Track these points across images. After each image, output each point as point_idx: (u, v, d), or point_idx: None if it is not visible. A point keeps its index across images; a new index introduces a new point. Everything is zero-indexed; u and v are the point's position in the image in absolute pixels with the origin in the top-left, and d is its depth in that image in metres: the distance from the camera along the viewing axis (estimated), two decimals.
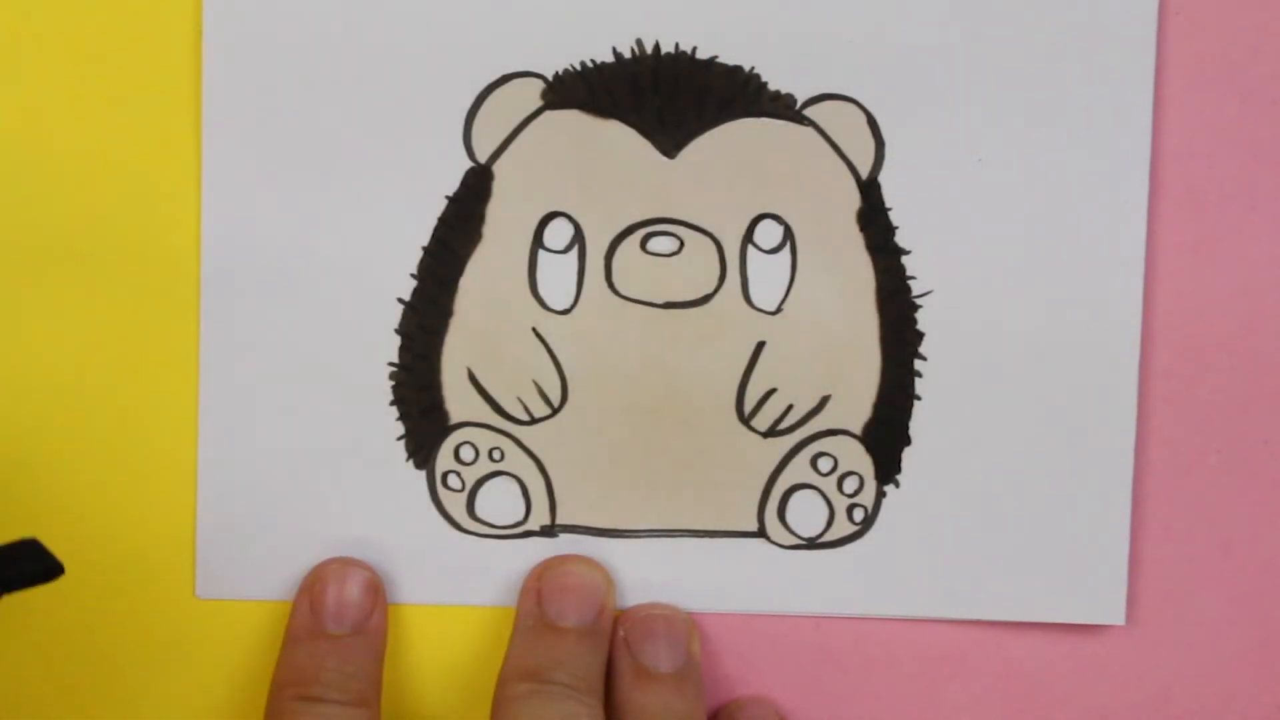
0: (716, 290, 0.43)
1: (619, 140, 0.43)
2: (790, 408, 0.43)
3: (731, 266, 0.43)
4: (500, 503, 0.44)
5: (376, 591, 0.43)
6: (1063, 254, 0.43)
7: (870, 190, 0.43)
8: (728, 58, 0.43)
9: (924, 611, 0.44)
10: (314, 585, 0.43)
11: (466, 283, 0.43)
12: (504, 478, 0.44)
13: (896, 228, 0.43)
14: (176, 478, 0.44)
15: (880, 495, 0.44)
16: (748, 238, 0.43)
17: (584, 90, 0.43)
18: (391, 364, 0.43)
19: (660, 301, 0.43)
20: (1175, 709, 0.45)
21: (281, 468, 0.44)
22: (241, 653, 0.45)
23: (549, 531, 0.44)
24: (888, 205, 0.43)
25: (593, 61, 0.43)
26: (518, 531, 0.44)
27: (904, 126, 0.43)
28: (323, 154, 0.43)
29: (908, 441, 0.44)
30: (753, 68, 0.43)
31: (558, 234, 0.43)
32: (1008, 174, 0.43)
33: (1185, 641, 0.45)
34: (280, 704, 0.41)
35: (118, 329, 0.44)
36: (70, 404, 0.44)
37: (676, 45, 0.43)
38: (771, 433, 0.44)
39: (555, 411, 0.44)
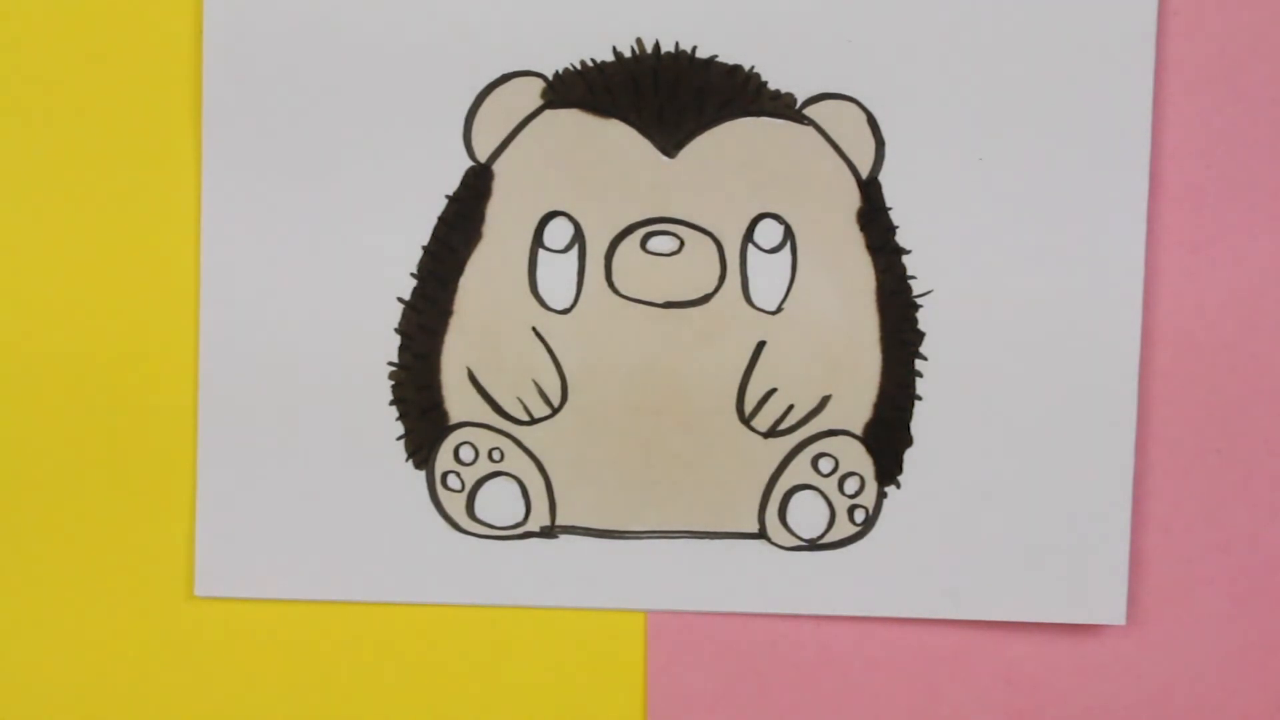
0: (716, 290, 0.43)
1: (619, 139, 0.43)
2: (791, 408, 0.43)
3: (731, 266, 0.43)
4: (500, 503, 0.44)
5: None
6: (1063, 254, 0.43)
7: (870, 190, 0.43)
8: (728, 57, 0.43)
9: (924, 611, 0.44)
10: None
11: (466, 282, 0.43)
12: (504, 478, 0.44)
13: (896, 228, 0.43)
14: (176, 478, 0.44)
15: (881, 496, 0.44)
16: (748, 237, 0.43)
17: (584, 89, 0.43)
18: (391, 364, 0.43)
19: (660, 301, 0.43)
20: (1175, 709, 0.45)
21: (281, 467, 0.44)
22: (240, 651, 0.45)
23: (549, 532, 0.44)
24: (888, 205, 0.43)
25: (593, 61, 0.43)
26: (517, 532, 0.44)
27: (904, 126, 0.43)
28: (323, 153, 0.43)
29: (909, 441, 0.43)
30: (752, 67, 0.43)
31: (558, 233, 0.43)
32: (1008, 174, 0.43)
33: (1185, 641, 0.45)
34: None
35: (117, 328, 0.44)
36: (70, 403, 0.44)
37: (676, 45, 0.43)
38: (772, 433, 0.44)
39: (555, 411, 0.44)
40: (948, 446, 0.43)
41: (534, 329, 0.43)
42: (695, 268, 0.43)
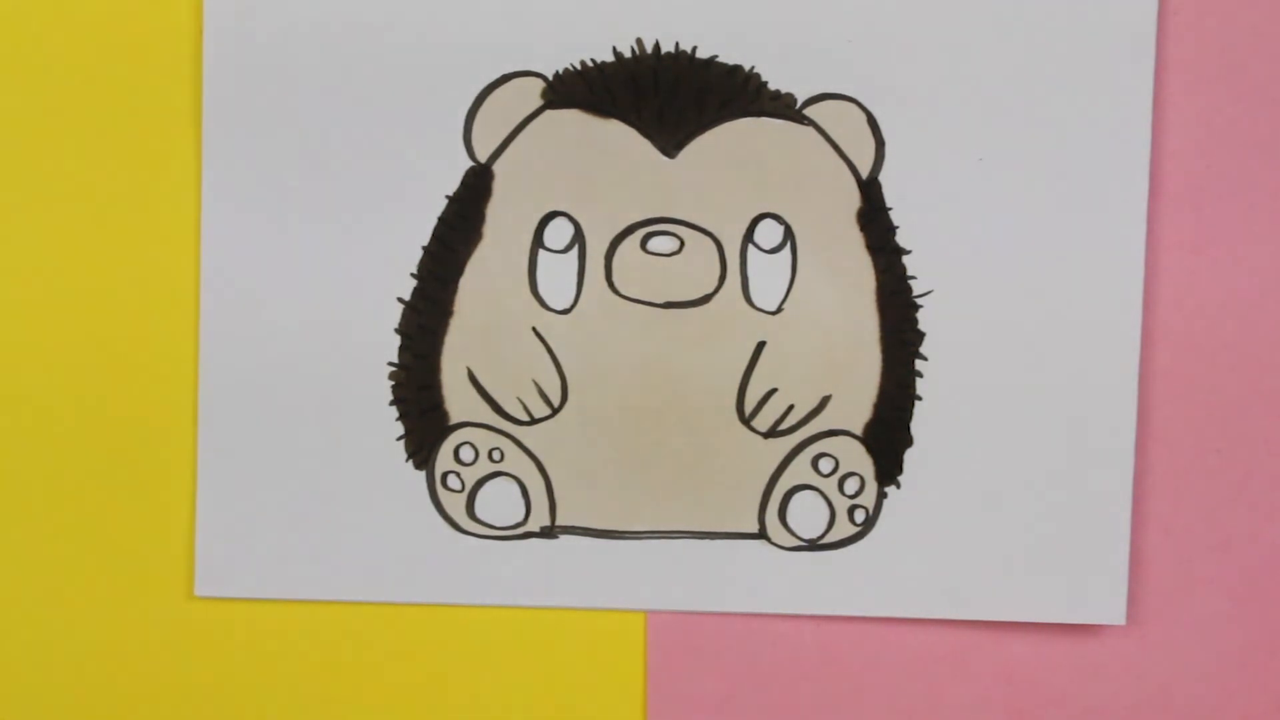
0: (717, 290, 0.43)
1: (619, 140, 0.43)
2: (791, 408, 0.43)
3: (732, 266, 0.43)
4: (500, 503, 0.44)
5: None
6: (1063, 254, 0.43)
7: (870, 190, 0.43)
8: (728, 57, 0.43)
9: (924, 611, 0.44)
10: None
11: (466, 282, 0.43)
12: (504, 478, 0.44)
13: (896, 228, 0.43)
14: (176, 478, 0.44)
15: (881, 496, 0.44)
16: (748, 237, 0.43)
17: (584, 90, 0.43)
18: (391, 364, 0.43)
19: (660, 301, 0.43)
20: (1175, 709, 0.45)
21: (281, 467, 0.44)
22: (240, 651, 0.45)
23: (549, 533, 0.44)
24: (888, 205, 0.43)
25: (593, 61, 0.43)
26: (517, 533, 0.44)
27: (904, 126, 0.43)
28: (323, 154, 0.43)
29: (909, 442, 0.43)
30: (753, 67, 0.43)
31: (558, 233, 0.43)
32: (1008, 174, 0.43)
33: (1185, 641, 0.45)
34: None
35: (118, 328, 0.44)
36: (70, 403, 0.44)
37: (676, 45, 0.43)
38: (772, 433, 0.44)
39: (555, 412, 0.44)
40: (948, 446, 0.43)
41: (534, 329, 0.43)
42: (695, 268, 0.43)
